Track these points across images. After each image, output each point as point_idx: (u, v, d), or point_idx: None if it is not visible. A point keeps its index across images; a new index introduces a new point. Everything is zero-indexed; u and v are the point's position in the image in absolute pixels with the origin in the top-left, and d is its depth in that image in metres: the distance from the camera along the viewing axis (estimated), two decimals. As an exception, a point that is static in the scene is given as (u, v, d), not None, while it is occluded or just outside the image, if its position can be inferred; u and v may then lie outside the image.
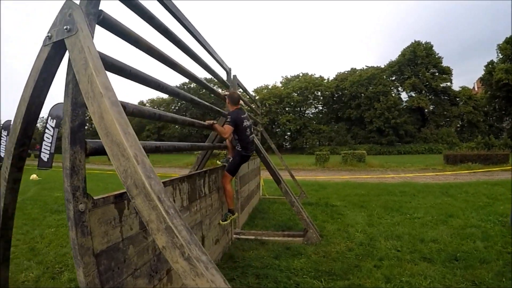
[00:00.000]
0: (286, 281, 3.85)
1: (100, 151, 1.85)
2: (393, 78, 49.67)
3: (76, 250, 1.64)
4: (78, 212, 1.66)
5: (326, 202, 8.59)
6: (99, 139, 1.67)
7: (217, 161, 5.15)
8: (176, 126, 50.17)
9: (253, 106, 10.08)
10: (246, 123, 4.59)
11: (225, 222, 4.69)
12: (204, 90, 44.75)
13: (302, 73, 54.42)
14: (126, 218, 2.11)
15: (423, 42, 48.15)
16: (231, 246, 5.19)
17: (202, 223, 3.80)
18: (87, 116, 1.84)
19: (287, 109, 52.73)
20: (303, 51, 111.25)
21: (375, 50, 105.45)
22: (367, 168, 20.76)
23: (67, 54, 1.74)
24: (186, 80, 49.27)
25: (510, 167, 16.69)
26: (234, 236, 5.57)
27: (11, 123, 1.98)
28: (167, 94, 3.12)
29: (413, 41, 48.51)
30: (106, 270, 1.83)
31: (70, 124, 1.66)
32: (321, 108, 54.50)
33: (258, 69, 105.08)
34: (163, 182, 2.68)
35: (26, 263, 4.60)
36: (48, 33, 1.76)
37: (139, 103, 57.76)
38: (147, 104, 58.92)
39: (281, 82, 55.83)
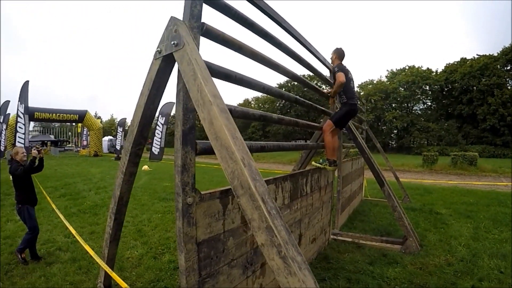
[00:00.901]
0: (376, 290, 3.72)
1: (208, 151, 2.05)
2: (508, 67, 42.10)
3: (180, 237, 1.86)
4: (186, 205, 1.87)
5: (430, 209, 7.97)
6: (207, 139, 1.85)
7: (312, 162, 5.12)
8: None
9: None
10: (350, 75, 4.76)
11: (317, 164, 4.63)
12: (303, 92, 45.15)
13: (408, 65, 49.98)
14: (229, 212, 2.28)
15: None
16: (327, 247, 5.17)
17: (301, 221, 3.87)
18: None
19: (393, 105, 48.95)
20: (409, 41, 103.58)
21: (486, 36, 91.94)
22: (479, 173, 18.47)
23: (176, 65, 1.95)
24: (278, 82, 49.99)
25: None
26: (332, 236, 5.53)
27: (126, 120, 2.31)
28: (272, 96, 3.25)
29: (529, 22, 40.57)
30: (205, 258, 2.03)
31: (182, 127, 1.87)
32: (429, 103, 49.50)
33: (362, 64, 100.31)
34: (266, 180, 2.82)
35: (132, 242, 5.31)
36: (157, 48, 2.00)
37: (244, 100, 60.67)
38: (252, 102, 61.22)
39: (386, 76, 52.44)
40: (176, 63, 1.92)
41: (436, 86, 46.37)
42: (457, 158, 20.46)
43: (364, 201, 9.31)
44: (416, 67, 49.17)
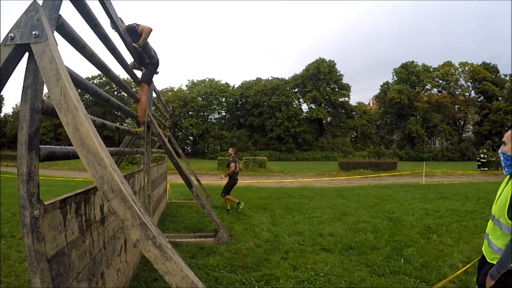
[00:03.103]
0: (206, 276, 4.15)
1: (51, 157, 1.88)
2: (296, 90, 53.60)
3: (32, 256, 1.65)
4: (33, 218, 1.67)
5: (231, 205, 9.00)
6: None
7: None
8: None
9: (162, 109, 10.00)
10: None
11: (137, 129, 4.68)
12: (107, 87, 42.47)
13: (208, 78, 54.76)
14: (69, 222, 2.12)
15: (327, 60, 52.97)
16: (148, 249, 5.18)
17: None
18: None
19: (190, 113, 52.25)
20: (212, 56, 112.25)
21: (281, 63, 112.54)
22: (268, 173, 22.16)
23: (25, 57, 1.72)
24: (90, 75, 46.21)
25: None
26: (149, 239, 5.53)
27: None
28: (100, 100, 3.05)
29: (318, 58, 53.03)
30: (57, 275, 1.85)
31: (28, 130, 1.65)
32: (224, 114, 55.70)
33: (163, 71, 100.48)
34: (86, 190, 2.58)
35: None
36: (10, 33, 1.67)
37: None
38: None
39: (186, 86, 55.21)
40: (26, 54, 1.69)
41: (231, 99, 52.85)
42: (249, 161, 23.94)
43: (170, 204, 9.73)
44: (216, 80, 54.23)
